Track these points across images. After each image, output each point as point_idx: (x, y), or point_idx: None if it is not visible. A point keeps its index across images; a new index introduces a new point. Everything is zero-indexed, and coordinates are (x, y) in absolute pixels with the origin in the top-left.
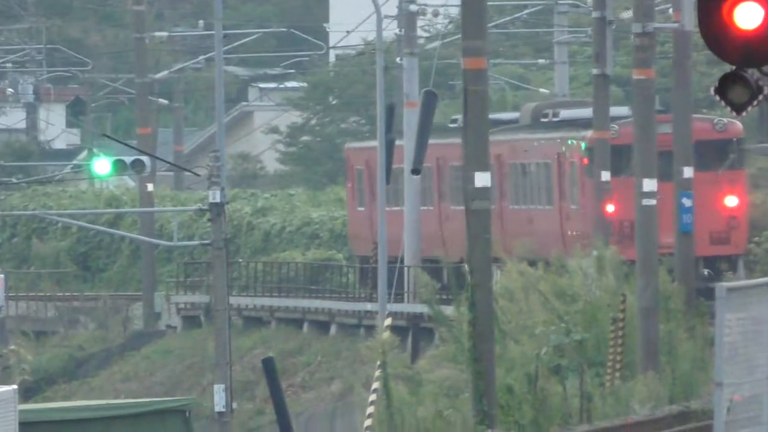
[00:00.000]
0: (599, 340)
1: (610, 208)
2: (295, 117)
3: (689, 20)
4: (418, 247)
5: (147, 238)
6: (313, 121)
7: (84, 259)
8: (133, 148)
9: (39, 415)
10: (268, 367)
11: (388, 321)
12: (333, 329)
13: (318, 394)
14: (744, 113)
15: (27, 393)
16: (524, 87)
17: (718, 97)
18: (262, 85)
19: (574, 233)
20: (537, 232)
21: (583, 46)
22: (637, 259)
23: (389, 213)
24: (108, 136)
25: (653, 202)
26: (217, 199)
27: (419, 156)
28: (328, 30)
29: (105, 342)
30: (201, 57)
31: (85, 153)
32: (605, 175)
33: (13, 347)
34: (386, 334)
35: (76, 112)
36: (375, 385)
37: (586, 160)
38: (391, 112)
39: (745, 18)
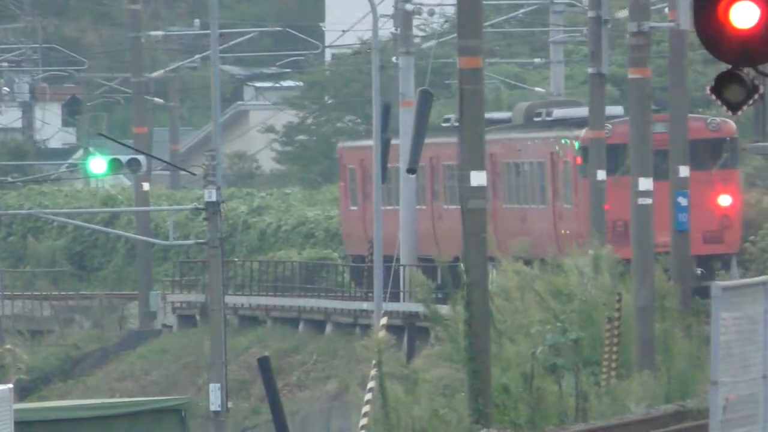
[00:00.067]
0: (595, 339)
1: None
2: (290, 116)
3: (685, 19)
4: (414, 246)
5: (143, 237)
6: (309, 121)
7: (80, 258)
8: (128, 147)
9: (35, 414)
10: (264, 366)
11: (384, 320)
12: (328, 328)
13: (314, 394)
14: (740, 112)
15: (23, 392)
16: (520, 86)
17: (714, 96)
18: (258, 85)
19: (568, 232)
20: (530, 231)
21: (578, 45)
22: (632, 258)
23: (383, 212)
24: (104, 135)
25: (649, 201)
26: (213, 198)
27: (415, 155)
28: (323, 29)
29: (101, 341)
30: (197, 56)
31: (80, 152)
32: (601, 174)
33: (8, 346)
34: (382, 333)
35: (72, 111)
36: (371, 384)
37: (579, 160)
38: (386, 111)
39: (741, 17)
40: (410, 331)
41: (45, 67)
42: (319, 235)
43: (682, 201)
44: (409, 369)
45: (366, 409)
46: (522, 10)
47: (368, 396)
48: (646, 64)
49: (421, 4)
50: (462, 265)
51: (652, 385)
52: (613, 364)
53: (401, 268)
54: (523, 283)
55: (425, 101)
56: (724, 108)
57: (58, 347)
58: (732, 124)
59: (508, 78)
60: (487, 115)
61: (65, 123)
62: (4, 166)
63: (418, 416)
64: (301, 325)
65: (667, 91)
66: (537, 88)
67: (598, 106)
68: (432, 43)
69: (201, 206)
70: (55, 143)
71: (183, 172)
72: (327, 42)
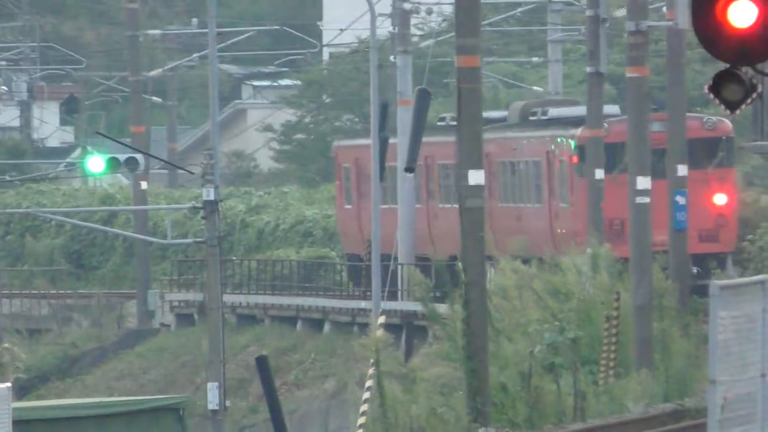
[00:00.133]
0: (593, 338)
1: None
2: (288, 115)
3: (683, 18)
4: (412, 245)
5: (141, 236)
6: (307, 119)
7: (78, 256)
8: (126, 146)
9: (33, 413)
10: (262, 365)
11: (382, 319)
12: (327, 327)
13: (312, 392)
14: (738, 111)
15: (21, 391)
16: (518, 85)
17: (712, 95)
18: (255, 83)
19: (563, 231)
20: (526, 230)
21: (576, 44)
22: (630, 256)
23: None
24: (102, 134)
25: (647, 200)
26: (211, 197)
27: (413, 154)
28: (321, 28)
29: (99, 340)
30: (195, 55)
31: (78, 151)
32: (599, 173)
33: (6, 345)
34: (380, 332)
35: (69, 110)
36: (369, 383)
37: (575, 159)
38: (384, 110)
39: (739, 16)
40: (408, 330)
41: (43, 66)
42: (317, 233)
43: (680, 200)
44: (407, 368)
45: (364, 407)
46: (520, 9)
47: (366, 395)
48: (644, 63)
49: (419, 3)
50: (460, 263)
51: (650, 384)
52: (611, 363)
53: (399, 267)
54: (521, 282)
55: (423, 100)
56: (723, 107)
57: (56, 346)
58: (728, 123)
59: (506, 77)
60: (483, 114)
61: (63, 122)
62: (2, 165)
63: (416, 415)
64: (299, 324)
65: (665, 90)
66: (535, 87)
67: (596, 105)
68: (430, 42)
69: (199, 205)
70: (53, 142)
71: (181, 171)
72: (325, 41)
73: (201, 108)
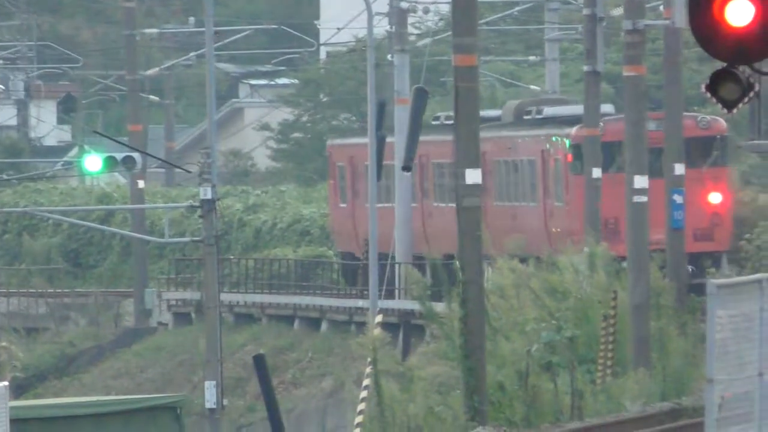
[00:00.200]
0: (590, 337)
1: None
2: (286, 114)
3: (680, 17)
4: (410, 243)
5: (138, 235)
6: (304, 118)
7: (75, 255)
8: (124, 144)
9: (30, 411)
10: (259, 363)
11: (379, 318)
12: (324, 326)
13: (309, 391)
14: (735, 110)
15: (18, 390)
16: (515, 84)
17: (709, 94)
18: (253, 82)
19: (558, 230)
20: (521, 228)
21: (574, 43)
22: (628, 255)
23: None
24: (99, 133)
25: (644, 199)
26: (209, 196)
27: (410, 153)
28: (318, 27)
29: (96, 339)
30: (192, 54)
31: (76, 150)
32: (596, 172)
33: (3, 344)
34: (377, 331)
35: (67, 109)
36: (366, 381)
37: (570, 157)
38: (381, 109)
39: (736, 15)
40: (405, 329)
41: (40, 65)
42: (315, 232)
43: (678, 199)
44: (405, 366)
45: (361, 406)
46: (517, 8)
47: (363, 393)
48: (641, 62)
49: (416, 2)
50: (457, 262)
51: (647, 383)
52: (609, 362)
53: (396, 266)
54: (519, 281)
55: (420, 99)
56: (720, 106)
57: (54, 345)
58: (722, 122)
59: (503, 76)
60: None
61: (60, 120)
62: None
63: (413, 414)
64: (296, 323)
65: (662, 89)
66: (532, 86)
67: (593, 104)
68: (427, 40)
69: (196, 204)
70: (50, 141)
71: (178, 170)
72: (322, 40)
73: (198, 107)
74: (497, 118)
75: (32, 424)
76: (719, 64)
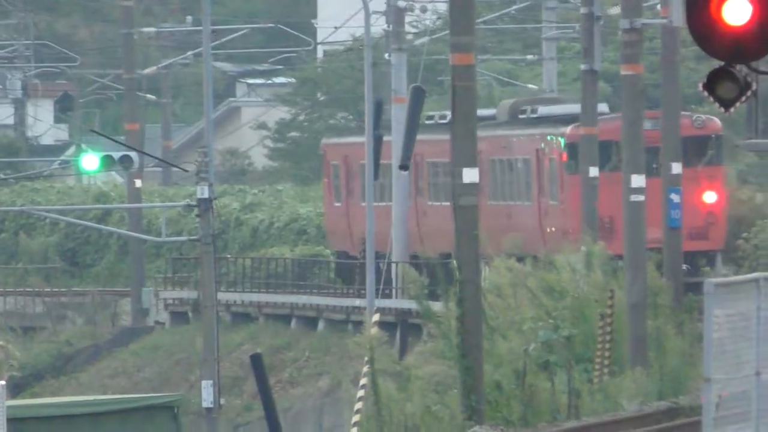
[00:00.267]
0: (587, 336)
1: None
2: (283, 113)
3: (677, 16)
4: (406, 243)
5: (135, 234)
6: (301, 117)
7: (72, 254)
8: (121, 143)
9: (27, 411)
10: (256, 363)
11: (376, 317)
12: (321, 325)
13: (306, 390)
14: (732, 109)
15: (15, 389)
16: (512, 83)
17: (706, 93)
18: (250, 81)
19: (553, 229)
20: (516, 227)
21: (571, 41)
22: (624, 254)
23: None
24: (96, 132)
25: (641, 198)
26: (206, 195)
27: (407, 152)
28: (316, 26)
29: (93, 338)
30: (189, 53)
31: (73, 149)
32: (593, 171)
33: (1, 343)
34: (374, 330)
35: (64, 108)
36: (363, 380)
37: (565, 156)
38: (379, 108)
39: (734, 14)
40: (402, 328)
41: (37, 64)
42: (312, 231)
43: (675, 198)
44: (402, 366)
45: (358, 405)
46: (514, 7)
47: (361, 393)
48: (638, 61)
49: (413, 1)
50: (454, 261)
51: (644, 382)
52: (606, 361)
53: (393, 265)
54: (516, 280)
55: (417, 98)
56: (717, 105)
57: (51, 344)
58: (717, 121)
59: (500, 75)
60: None
61: (57, 119)
62: None
63: (410, 413)
64: (293, 322)
65: (659, 88)
66: (529, 85)
67: (590, 103)
68: (424, 39)
69: (193, 203)
70: (47, 140)
71: (175, 169)
72: (319, 39)
73: (195, 106)
74: (492, 117)
75: (29, 424)
76: (716, 63)
